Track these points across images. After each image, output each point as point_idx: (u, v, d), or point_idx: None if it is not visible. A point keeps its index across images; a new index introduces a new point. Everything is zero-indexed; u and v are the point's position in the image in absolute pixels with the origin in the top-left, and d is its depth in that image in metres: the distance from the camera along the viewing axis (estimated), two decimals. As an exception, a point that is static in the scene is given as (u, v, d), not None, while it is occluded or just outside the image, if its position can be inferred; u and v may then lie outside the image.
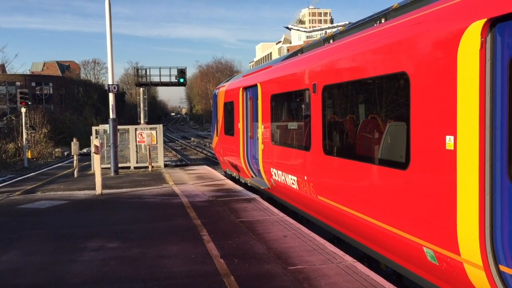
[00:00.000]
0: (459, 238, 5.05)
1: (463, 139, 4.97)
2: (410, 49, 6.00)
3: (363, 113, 7.78)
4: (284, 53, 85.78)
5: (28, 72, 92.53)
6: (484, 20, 4.67)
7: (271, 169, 12.20)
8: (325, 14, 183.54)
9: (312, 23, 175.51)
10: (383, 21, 7.51)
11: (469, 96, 4.88)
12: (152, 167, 21.04)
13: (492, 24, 4.68)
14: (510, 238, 4.56)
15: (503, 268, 4.66)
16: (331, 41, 9.41)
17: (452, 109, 5.13)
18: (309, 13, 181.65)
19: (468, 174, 4.89)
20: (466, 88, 4.92)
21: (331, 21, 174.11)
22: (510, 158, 4.56)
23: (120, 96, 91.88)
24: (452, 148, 5.14)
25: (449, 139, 5.18)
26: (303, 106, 10.32)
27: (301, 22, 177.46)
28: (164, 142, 30.35)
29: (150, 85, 39.68)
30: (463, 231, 4.98)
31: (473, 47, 4.80)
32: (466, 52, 4.90)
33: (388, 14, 7.50)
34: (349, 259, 7.29)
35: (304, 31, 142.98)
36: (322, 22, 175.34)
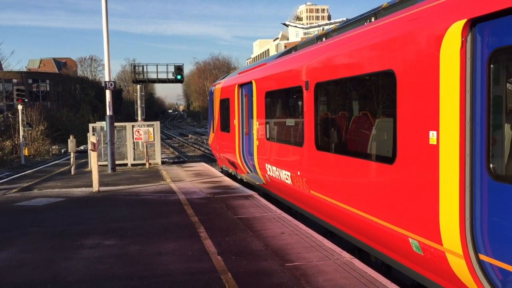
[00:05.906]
0: (441, 229, 5.26)
1: (445, 134, 5.18)
2: (396, 48, 6.19)
3: (353, 109, 7.98)
4: (282, 49, 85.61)
5: (24, 69, 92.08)
6: (465, 20, 4.87)
7: (266, 164, 12.40)
8: (323, 10, 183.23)
9: (309, 19, 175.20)
10: (373, 20, 7.70)
11: (450, 93, 5.09)
12: (150, 164, 21.16)
13: (472, 24, 4.89)
14: (489, 229, 4.77)
15: (482, 257, 4.88)
16: (323, 39, 9.59)
17: (435, 105, 5.33)
18: (307, 9, 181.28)
19: (450, 168, 5.11)
20: (448, 86, 5.12)
21: (329, 18, 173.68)
22: (488, 153, 4.77)
23: (117, 93, 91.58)
24: (435, 143, 5.35)
25: (432, 135, 5.39)
26: (296, 103, 10.51)
27: (299, 18, 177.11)
28: (162, 139, 30.42)
29: (147, 82, 39.67)
30: (445, 222, 5.19)
31: (454, 46, 5.00)
32: (448, 51, 5.10)
33: (378, 13, 7.68)
34: (346, 255, 7.28)
35: (302, 28, 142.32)
36: (320, 18, 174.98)
